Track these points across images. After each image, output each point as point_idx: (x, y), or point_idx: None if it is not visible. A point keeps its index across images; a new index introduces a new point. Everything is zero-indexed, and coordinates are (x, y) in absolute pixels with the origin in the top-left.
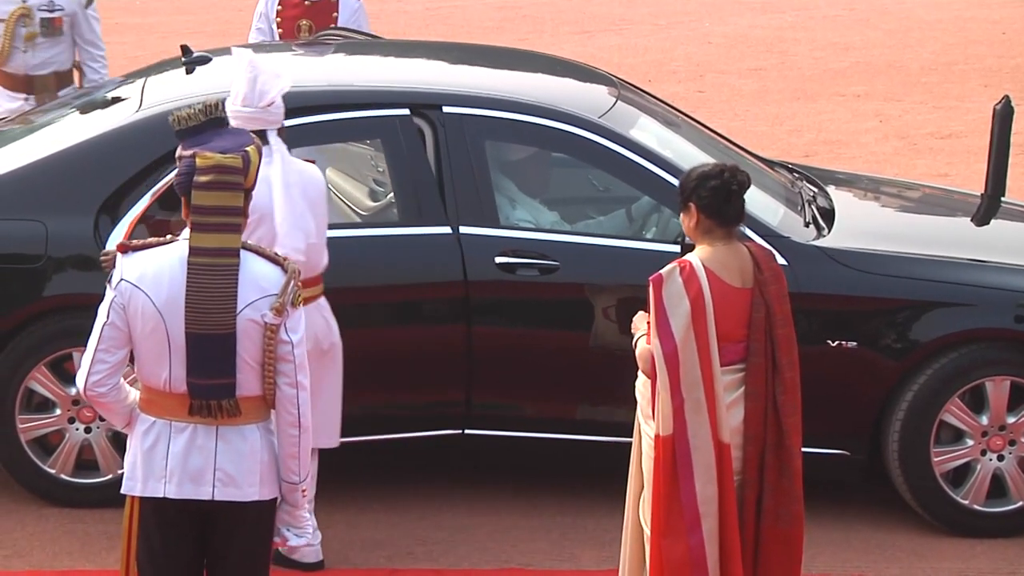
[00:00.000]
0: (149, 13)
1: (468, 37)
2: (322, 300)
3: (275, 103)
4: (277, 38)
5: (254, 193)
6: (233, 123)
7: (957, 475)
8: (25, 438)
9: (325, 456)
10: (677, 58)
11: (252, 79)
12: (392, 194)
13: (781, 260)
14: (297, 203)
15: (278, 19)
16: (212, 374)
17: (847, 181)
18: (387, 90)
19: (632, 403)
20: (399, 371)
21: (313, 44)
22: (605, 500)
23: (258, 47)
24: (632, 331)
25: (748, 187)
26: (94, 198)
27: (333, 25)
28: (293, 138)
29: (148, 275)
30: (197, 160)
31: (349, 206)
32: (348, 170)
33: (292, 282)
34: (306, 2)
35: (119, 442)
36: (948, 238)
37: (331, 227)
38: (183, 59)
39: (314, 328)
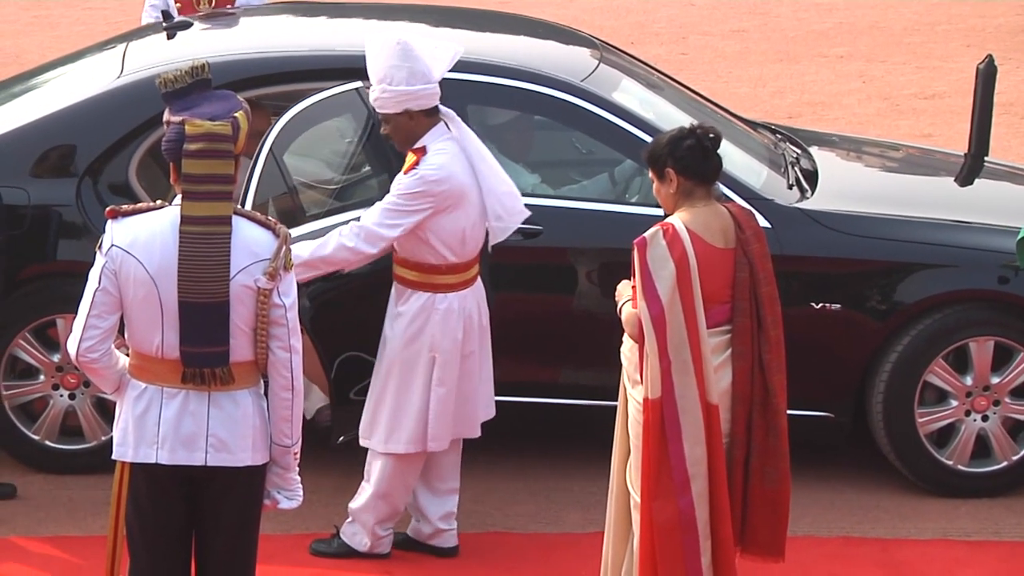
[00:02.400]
0: None
1: (448, 0)
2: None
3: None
4: (175, 15)
5: (446, 176)
6: (405, 105)
7: (941, 436)
8: (9, 405)
9: (311, 423)
10: (660, 20)
11: (418, 56)
12: (369, 168)
13: (764, 222)
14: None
15: None
16: (206, 342)
17: (830, 142)
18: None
19: (616, 366)
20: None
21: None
22: (590, 463)
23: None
24: (616, 299)
25: (721, 141)
26: (77, 164)
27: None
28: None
29: (140, 241)
30: (187, 127)
31: (318, 187)
32: (305, 149)
33: (284, 246)
34: None
35: (103, 408)
36: (931, 199)
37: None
38: (164, 24)
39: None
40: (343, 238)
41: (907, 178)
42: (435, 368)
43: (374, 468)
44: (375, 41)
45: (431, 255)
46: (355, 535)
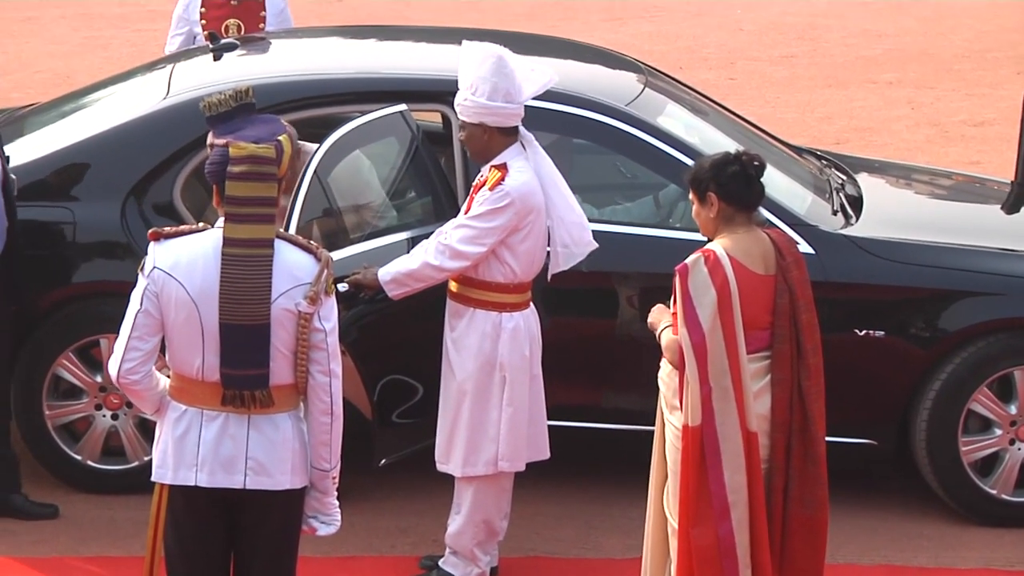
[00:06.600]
0: None
1: (499, 24)
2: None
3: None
4: (202, 41)
5: (530, 193)
6: (482, 119)
7: (985, 464)
8: (52, 424)
9: (351, 444)
10: (709, 45)
11: (508, 74)
12: (413, 191)
13: (808, 248)
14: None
15: (203, 21)
16: (246, 364)
17: (876, 169)
18: (415, 78)
19: (656, 391)
20: (426, 360)
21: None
22: (630, 488)
23: (282, 34)
24: (650, 324)
25: (764, 169)
26: (122, 185)
27: (262, 25)
28: (304, 131)
29: (182, 263)
30: (231, 150)
31: (362, 209)
32: (350, 172)
33: (325, 271)
34: (232, 1)
35: (146, 429)
36: (977, 226)
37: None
38: (211, 46)
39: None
40: (427, 256)
41: (953, 205)
42: (505, 387)
43: (463, 494)
44: (473, 48)
45: (501, 273)
46: (458, 565)
